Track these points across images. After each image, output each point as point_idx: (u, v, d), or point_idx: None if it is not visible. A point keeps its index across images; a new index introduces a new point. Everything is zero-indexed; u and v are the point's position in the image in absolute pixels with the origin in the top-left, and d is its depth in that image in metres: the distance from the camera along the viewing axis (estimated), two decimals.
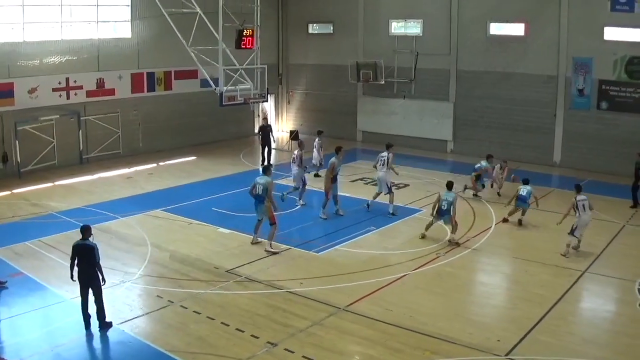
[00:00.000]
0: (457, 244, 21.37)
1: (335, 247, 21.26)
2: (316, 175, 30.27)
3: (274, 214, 20.64)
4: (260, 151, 34.42)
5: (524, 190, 23.77)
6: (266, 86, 31.87)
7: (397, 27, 40.22)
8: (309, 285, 17.92)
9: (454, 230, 21.61)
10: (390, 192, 24.93)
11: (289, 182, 29.11)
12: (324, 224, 23.87)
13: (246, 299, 16.99)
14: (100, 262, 14.88)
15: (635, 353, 14.41)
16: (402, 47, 39.43)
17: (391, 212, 24.86)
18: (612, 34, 31.93)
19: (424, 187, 29.16)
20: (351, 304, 16.71)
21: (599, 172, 31.54)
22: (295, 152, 27.32)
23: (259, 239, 21.21)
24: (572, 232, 20.47)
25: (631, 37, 31.35)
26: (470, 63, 37.04)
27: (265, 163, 32.30)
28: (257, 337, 14.73)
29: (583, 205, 20.50)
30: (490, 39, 36.27)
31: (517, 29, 35.24)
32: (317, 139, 31.42)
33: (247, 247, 21.06)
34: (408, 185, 29.10)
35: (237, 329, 15.17)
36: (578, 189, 21.12)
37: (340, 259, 20.17)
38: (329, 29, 43.18)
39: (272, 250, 20.45)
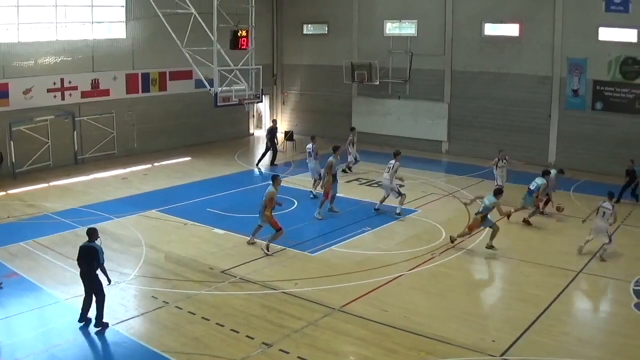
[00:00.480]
0: (452, 243, 21.29)
1: (331, 247, 21.26)
2: (345, 171, 31.98)
3: (276, 221, 20.58)
4: (263, 152, 34.63)
5: (533, 183, 23.86)
6: (261, 87, 31.90)
7: (392, 28, 40.25)
8: (304, 286, 17.92)
9: (462, 234, 21.45)
10: (400, 195, 24.90)
11: (284, 182, 29.15)
12: (319, 225, 23.87)
13: (241, 300, 16.99)
14: (100, 261, 15.02)
15: (630, 353, 14.44)
16: (396, 48, 39.47)
17: (398, 212, 24.88)
18: (606, 34, 32.01)
19: (419, 188, 29.14)
20: (346, 304, 16.71)
21: (594, 172, 31.58)
22: (310, 145, 27.86)
23: (255, 240, 21.18)
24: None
25: (626, 37, 31.44)
26: (465, 64, 37.10)
27: (263, 162, 33.66)
28: (252, 338, 14.72)
29: (603, 213, 20.51)
30: (484, 39, 36.33)
31: (511, 30, 35.28)
32: (350, 136, 32.48)
33: (242, 247, 21.04)
34: (403, 185, 29.02)
35: (232, 330, 15.16)
36: (610, 196, 21.18)
37: (336, 260, 20.17)
38: (324, 29, 43.20)
39: (266, 251, 20.43)
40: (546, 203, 24.97)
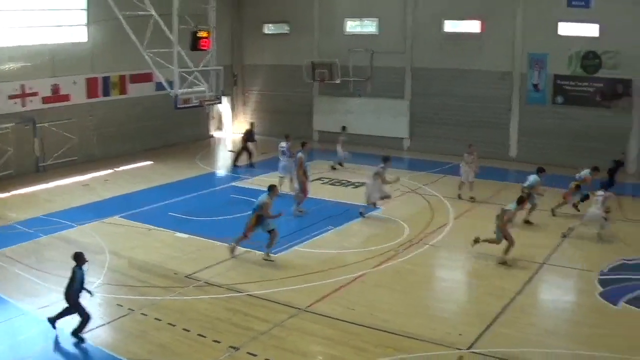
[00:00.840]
0: (505, 263, 19.69)
1: (294, 247, 21.24)
2: (333, 168, 33.10)
3: (251, 230, 20.27)
4: (247, 153, 34.42)
5: (526, 181, 23.99)
6: (221, 87, 31.76)
7: (353, 26, 40.36)
8: (269, 287, 17.88)
9: (507, 249, 19.71)
10: (371, 203, 24.79)
11: (246, 183, 29.11)
12: (282, 226, 23.27)
13: (206, 304, 16.90)
14: (74, 286, 14.94)
15: (596, 342, 14.61)
16: (357, 46, 39.47)
17: (361, 210, 24.74)
18: (566, 29, 32.57)
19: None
20: (312, 304, 16.73)
21: (555, 165, 31.71)
22: (283, 144, 27.72)
23: (270, 255, 20.52)
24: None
25: (587, 32, 31.95)
26: (426, 61, 37.30)
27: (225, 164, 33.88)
28: (219, 342, 14.66)
29: (597, 200, 21.31)
30: (445, 36, 36.55)
31: (472, 26, 35.57)
32: (341, 136, 33.27)
33: (205, 251, 20.92)
34: (365, 183, 29.14)
35: (198, 335, 15.08)
36: (602, 186, 22.73)
37: (300, 260, 20.17)
38: (285, 29, 43.09)
39: (232, 253, 20.37)
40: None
